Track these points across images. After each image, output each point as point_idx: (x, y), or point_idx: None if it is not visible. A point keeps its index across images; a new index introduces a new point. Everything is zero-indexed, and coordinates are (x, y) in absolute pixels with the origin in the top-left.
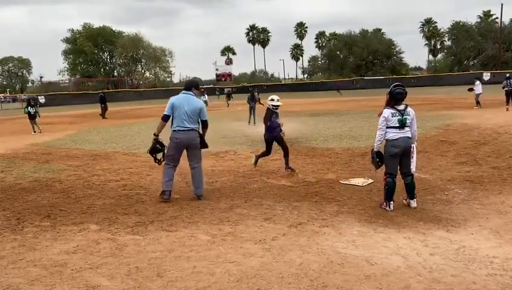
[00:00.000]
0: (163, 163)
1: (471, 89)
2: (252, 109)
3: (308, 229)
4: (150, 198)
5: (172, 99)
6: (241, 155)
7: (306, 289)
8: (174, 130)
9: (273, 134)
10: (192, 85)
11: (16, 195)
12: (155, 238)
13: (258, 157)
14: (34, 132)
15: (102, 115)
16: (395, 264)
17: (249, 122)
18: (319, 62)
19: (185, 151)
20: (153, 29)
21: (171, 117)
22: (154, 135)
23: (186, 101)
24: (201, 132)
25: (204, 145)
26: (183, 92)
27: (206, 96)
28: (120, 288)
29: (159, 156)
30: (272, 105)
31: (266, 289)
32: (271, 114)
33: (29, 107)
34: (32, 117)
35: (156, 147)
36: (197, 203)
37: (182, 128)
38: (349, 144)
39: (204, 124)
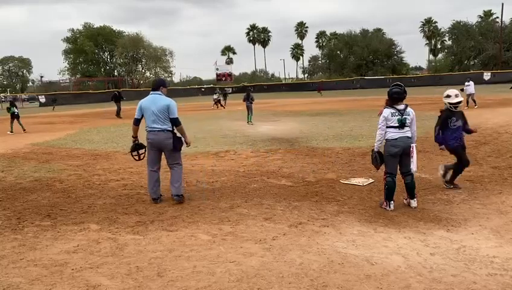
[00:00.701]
0: (142, 158)
1: (462, 90)
2: (248, 108)
3: (308, 229)
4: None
5: (141, 101)
6: (242, 155)
7: (306, 289)
8: (147, 131)
9: (454, 143)
10: (160, 84)
11: (16, 195)
12: (155, 238)
13: (452, 175)
14: (12, 131)
15: (117, 114)
16: (396, 264)
17: (248, 122)
18: (320, 62)
19: None
20: (153, 29)
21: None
22: (133, 137)
23: (153, 101)
24: (177, 133)
25: (176, 147)
26: (151, 92)
27: (218, 95)
28: (120, 288)
29: (141, 151)
30: (449, 103)
31: (266, 288)
32: (447, 116)
33: (14, 108)
34: (16, 117)
35: (135, 146)
36: (197, 203)
37: (152, 129)
38: (350, 143)
39: (174, 122)
